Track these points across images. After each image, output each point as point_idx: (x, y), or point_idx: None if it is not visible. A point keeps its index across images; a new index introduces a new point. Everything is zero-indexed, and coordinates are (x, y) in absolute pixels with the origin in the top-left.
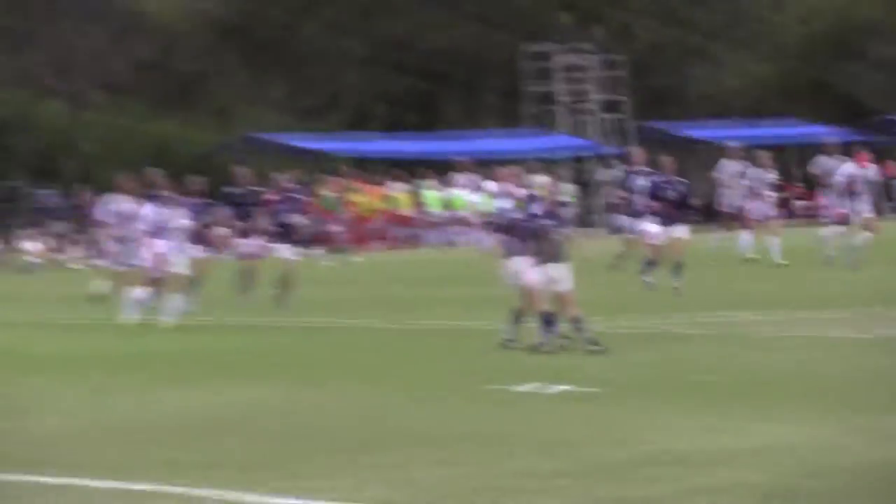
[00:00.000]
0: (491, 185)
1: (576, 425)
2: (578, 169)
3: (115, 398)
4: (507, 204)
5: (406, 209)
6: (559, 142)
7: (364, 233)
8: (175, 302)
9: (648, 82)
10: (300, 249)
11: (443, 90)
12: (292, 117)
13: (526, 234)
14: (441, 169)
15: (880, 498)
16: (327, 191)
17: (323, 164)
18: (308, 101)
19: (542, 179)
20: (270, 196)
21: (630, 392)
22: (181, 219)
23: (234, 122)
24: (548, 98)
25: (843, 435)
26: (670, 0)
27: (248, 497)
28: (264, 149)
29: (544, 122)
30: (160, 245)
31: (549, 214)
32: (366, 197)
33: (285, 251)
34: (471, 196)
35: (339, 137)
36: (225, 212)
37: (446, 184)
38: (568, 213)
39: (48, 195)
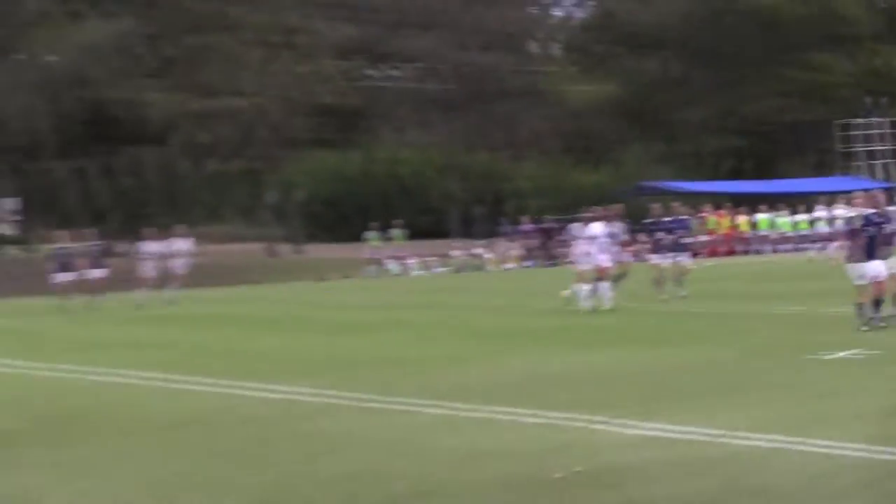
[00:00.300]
0: (831, 210)
1: (848, 379)
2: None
3: (540, 356)
4: (851, 217)
5: (745, 230)
6: (860, 183)
7: (716, 245)
8: (605, 292)
9: None
10: (688, 257)
11: (774, 147)
12: (668, 168)
13: (866, 237)
14: (772, 201)
15: None
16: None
17: (692, 200)
18: (678, 156)
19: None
20: (669, 221)
21: None
22: (615, 234)
23: (627, 172)
24: (851, 154)
25: None
26: None
27: (646, 425)
28: (650, 191)
29: (848, 171)
30: (603, 254)
31: (880, 224)
32: (719, 220)
33: (684, 259)
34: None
35: (702, 182)
36: (641, 233)
37: (793, 212)
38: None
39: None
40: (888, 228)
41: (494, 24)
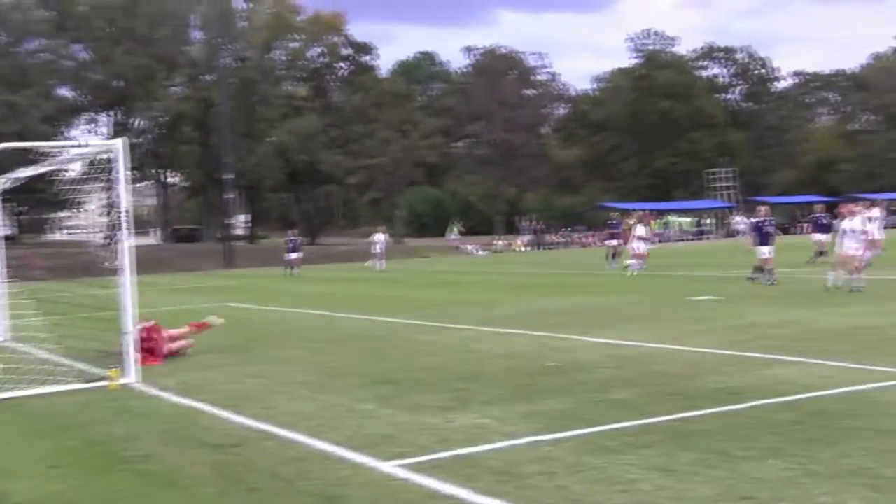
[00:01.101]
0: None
1: (707, 311)
2: None
3: (538, 300)
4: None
5: (656, 228)
6: (717, 203)
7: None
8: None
9: None
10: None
11: (671, 184)
12: (613, 195)
13: (761, 231)
14: (675, 212)
15: None
16: None
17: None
18: (618, 189)
19: None
20: (616, 223)
21: None
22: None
23: (590, 197)
24: (712, 188)
25: None
26: None
27: (594, 339)
28: (603, 208)
29: (712, 197)
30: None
31: (768, 224)
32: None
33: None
34: None
35: (632, 202)
36: None
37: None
38: None
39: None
40: (771, 227)
41: (518, 118)
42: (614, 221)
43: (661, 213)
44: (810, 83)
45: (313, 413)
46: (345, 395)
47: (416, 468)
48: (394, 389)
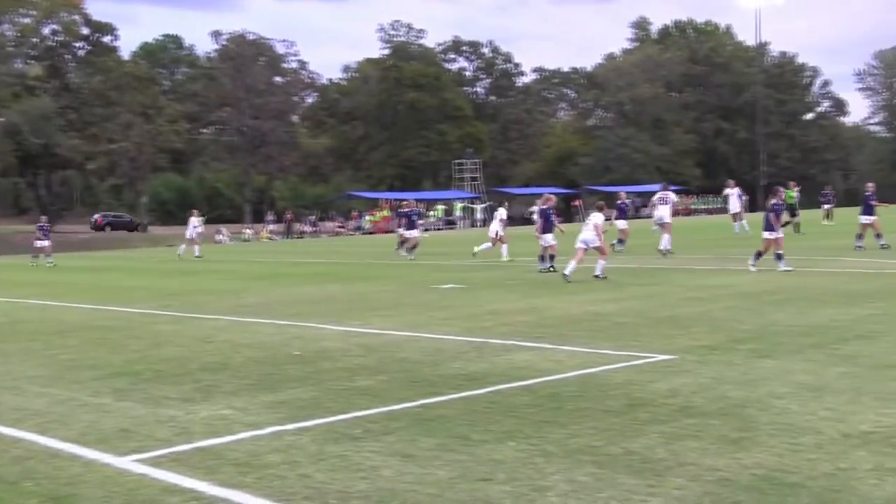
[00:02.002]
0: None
1: (451, 299)
2: None
3: (284, 289)
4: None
5: None
6: (465, 194)
7: (383, 225)
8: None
9: None
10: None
11: (421, 174)
12: (362, 185)
13: (543, 220)
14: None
15: None
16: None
17: (373, 202)
18: (368, 178)
19: None
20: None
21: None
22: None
23: (340, 187)
24: (460, 178)
25: None
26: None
27: (339, 327)
28: (353, 198)
29: (459, 187)
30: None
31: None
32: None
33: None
34: None
35: (381, 192)
36: None
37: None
38: None
39: None
40: (552, 217)
41: (267, 105)
42: (408, 210)
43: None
44: (551, 79)
45: (43, 409)
46: (79, 389)
47: (153, 462)
48: (132, 382)
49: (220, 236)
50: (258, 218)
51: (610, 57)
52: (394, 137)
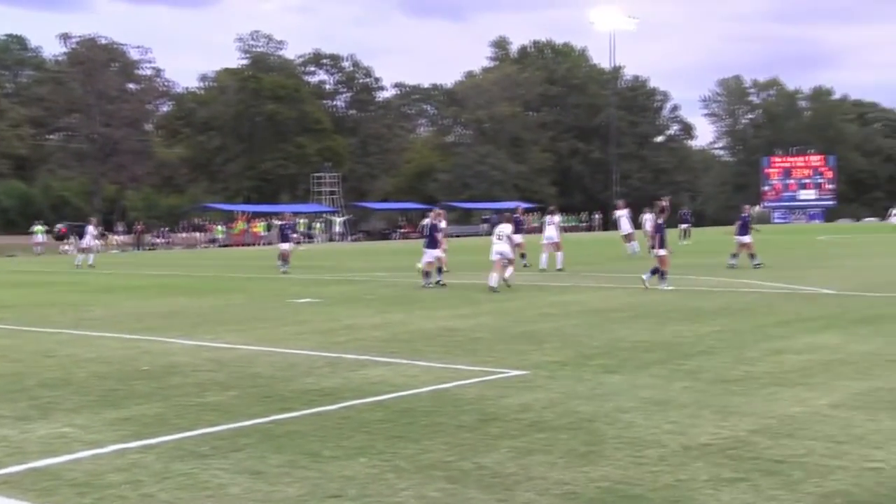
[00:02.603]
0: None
1: (308, 314)
2: None
3: (123, 302)
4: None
5: (260, 231)
6: (323, 207)
7: (240, 238)
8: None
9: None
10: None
11: (279, 187)
12: (219, 196)
13: (428, 235)
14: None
15: None
16: None
17: (229, 215)
18: (224, 190)
19: None
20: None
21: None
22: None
23: (195, 198)
24: (318, 192)
25: None
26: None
27: (190, 341)
28: (210, 210)
29: (318, 201)
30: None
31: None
32: (240, 224)
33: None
34: None
35: (238, 204)
36: None
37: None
38: None
39: None
40: (437, 233)
41: (119, 112)
42: (289, 223)
43: (267, 216)
44: (411, 95)
45: None
46: None
47: None
48: None
49: (67, 247)
50: (108, 228)
51: (470, 74)
52: (251, 149)
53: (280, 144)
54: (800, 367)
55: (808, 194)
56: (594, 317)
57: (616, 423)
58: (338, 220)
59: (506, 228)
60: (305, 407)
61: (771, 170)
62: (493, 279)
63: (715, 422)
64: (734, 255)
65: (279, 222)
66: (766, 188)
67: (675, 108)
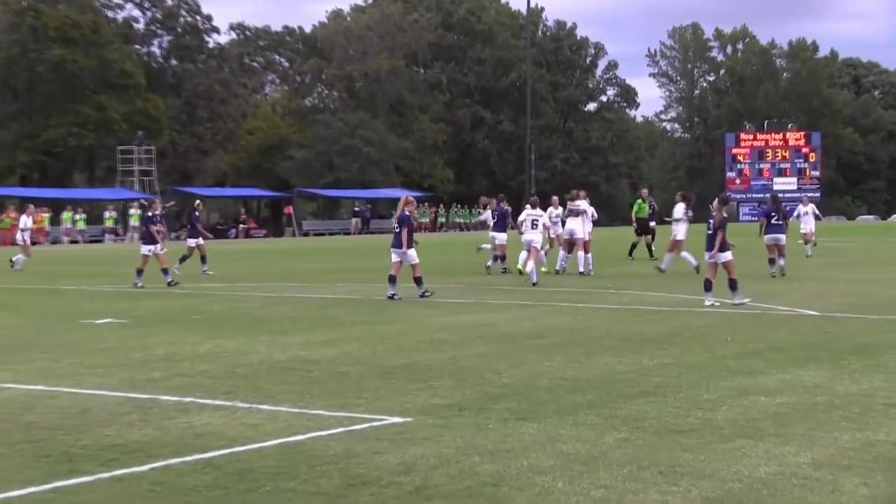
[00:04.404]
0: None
1: (112, 339)
2: None
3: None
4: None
5: (44, 225)
6: (133, 194)
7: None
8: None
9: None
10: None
11: (70, 164)
12: None
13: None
14: (72, 204)
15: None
16: None
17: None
18: None
19: None
20: None
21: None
22: None
23: None
24: (128, 171)
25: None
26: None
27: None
28: None
29: (125, 185)
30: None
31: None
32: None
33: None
34: None
35: (10, 188)
36: None
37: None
38: None
39: None
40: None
41: None
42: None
43: (54, 205)
44: (255, 41)
45: None
46: None
47: None
48: None
49: None
50: None
51: (336, 15)
52: (31, 110)
53: (72, 105)
54: (773, 412)
55: (786, 183)
56: (502, 344)
57: (529, 487)
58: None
59: (542, 215)
60: (103, 469)
61: (738, 150)
62: (529, 267)
63: (660, 486)
64: (772, 261)
65: (138, 211)
66: (732, 174)
67: (611, 65)
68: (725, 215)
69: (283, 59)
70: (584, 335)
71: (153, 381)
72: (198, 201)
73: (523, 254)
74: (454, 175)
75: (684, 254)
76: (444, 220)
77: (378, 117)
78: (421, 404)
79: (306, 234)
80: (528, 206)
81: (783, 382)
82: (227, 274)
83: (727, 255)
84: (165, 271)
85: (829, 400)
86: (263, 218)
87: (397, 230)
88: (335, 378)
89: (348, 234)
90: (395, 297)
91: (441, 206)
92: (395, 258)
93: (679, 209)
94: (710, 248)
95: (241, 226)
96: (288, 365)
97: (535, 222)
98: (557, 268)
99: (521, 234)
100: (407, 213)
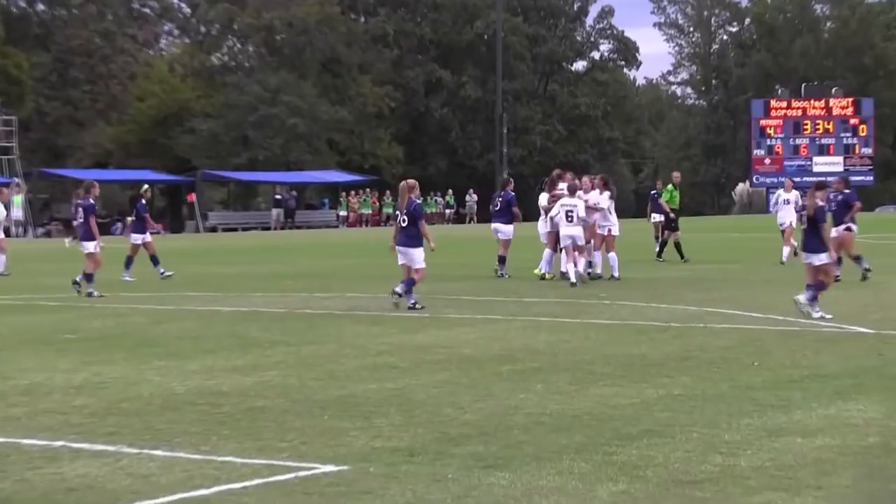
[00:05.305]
0: None
1: None
2: None
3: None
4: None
5: None
6: None
7: None
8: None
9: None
10: None
11: None
12: None
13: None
14: None
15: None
16: None
17: None
18: None
19: None
20: None
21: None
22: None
23: None
24: None
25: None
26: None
27: None
28: None
29: None
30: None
31: None
32: None
33: None
34: None
35: None
36: None
37: None
38: None
39: None
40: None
41: None
42: (143, 202)
43: None
44: None
45: None
46: None
47: None
48: None
49: None
50: None
51: None
52: None
53: None
54: (812, 458)
55: (829, 163)
56: (465, 371)
57: None
58: (16, 198)
59: (578, 205)
60: None
61: (767, 121)
62: (571, 269)
63: None
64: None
65: (79, 200)
66: (760, 151)
67: (605, 12)
68: (821, 203)
69: (183, 4)
70: (571, 359)
71: (13, 419)
72: (145, 186)
73: (562, 257)
74: (404, 153)
75: (612, 254)
76: (390, 210)
77: (306, 79)
78: (360, 448)
79: (213, 230)
80: (559, 189)
81: (825, 419)
82: (111, 280)
83: (824, 257)
84: (90, 277)
85: (884, 442)
86: (158, 209)
87: (405, 224)
88: (249, 415)
89: (267, 228)
90: (417, 305)
91: (388, 192)
92: (402, 260)
93: (605, 197)
94: (811, 246)
95: (130, 219)
96: (188, 398)
97: (571, 214)
98: (546, 269)
99: (547, 230)
100: (417, 201)
